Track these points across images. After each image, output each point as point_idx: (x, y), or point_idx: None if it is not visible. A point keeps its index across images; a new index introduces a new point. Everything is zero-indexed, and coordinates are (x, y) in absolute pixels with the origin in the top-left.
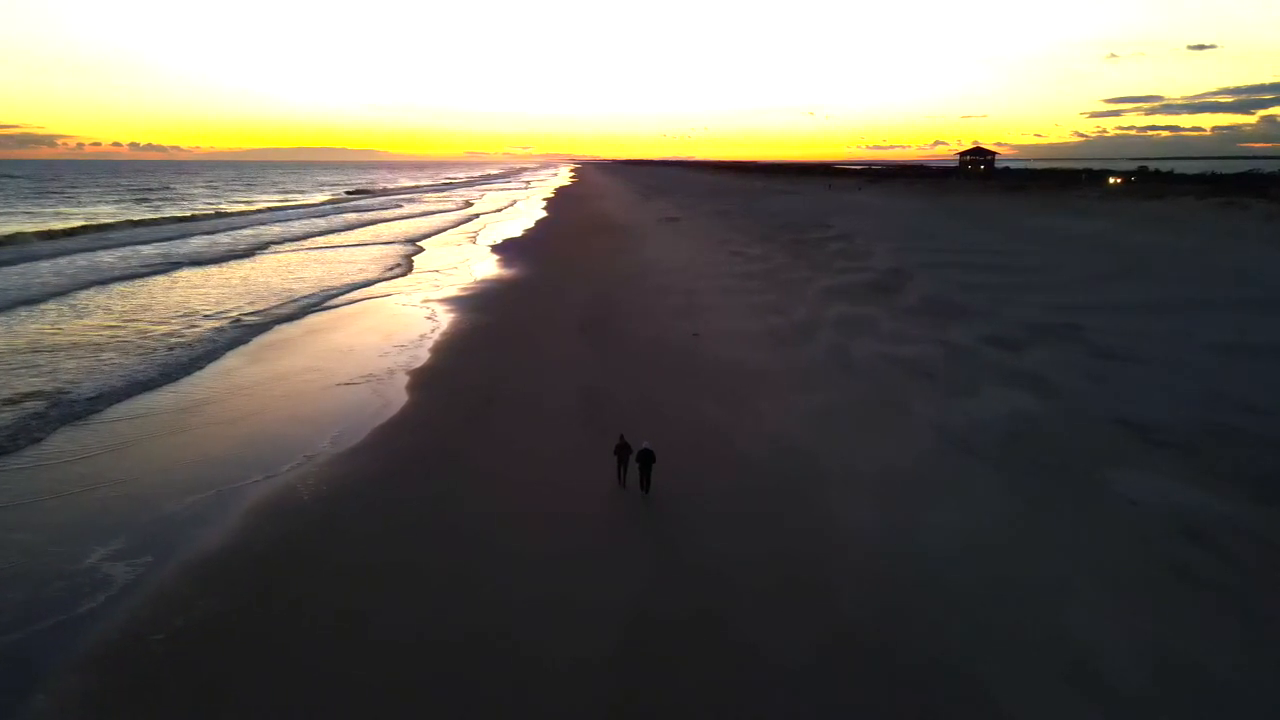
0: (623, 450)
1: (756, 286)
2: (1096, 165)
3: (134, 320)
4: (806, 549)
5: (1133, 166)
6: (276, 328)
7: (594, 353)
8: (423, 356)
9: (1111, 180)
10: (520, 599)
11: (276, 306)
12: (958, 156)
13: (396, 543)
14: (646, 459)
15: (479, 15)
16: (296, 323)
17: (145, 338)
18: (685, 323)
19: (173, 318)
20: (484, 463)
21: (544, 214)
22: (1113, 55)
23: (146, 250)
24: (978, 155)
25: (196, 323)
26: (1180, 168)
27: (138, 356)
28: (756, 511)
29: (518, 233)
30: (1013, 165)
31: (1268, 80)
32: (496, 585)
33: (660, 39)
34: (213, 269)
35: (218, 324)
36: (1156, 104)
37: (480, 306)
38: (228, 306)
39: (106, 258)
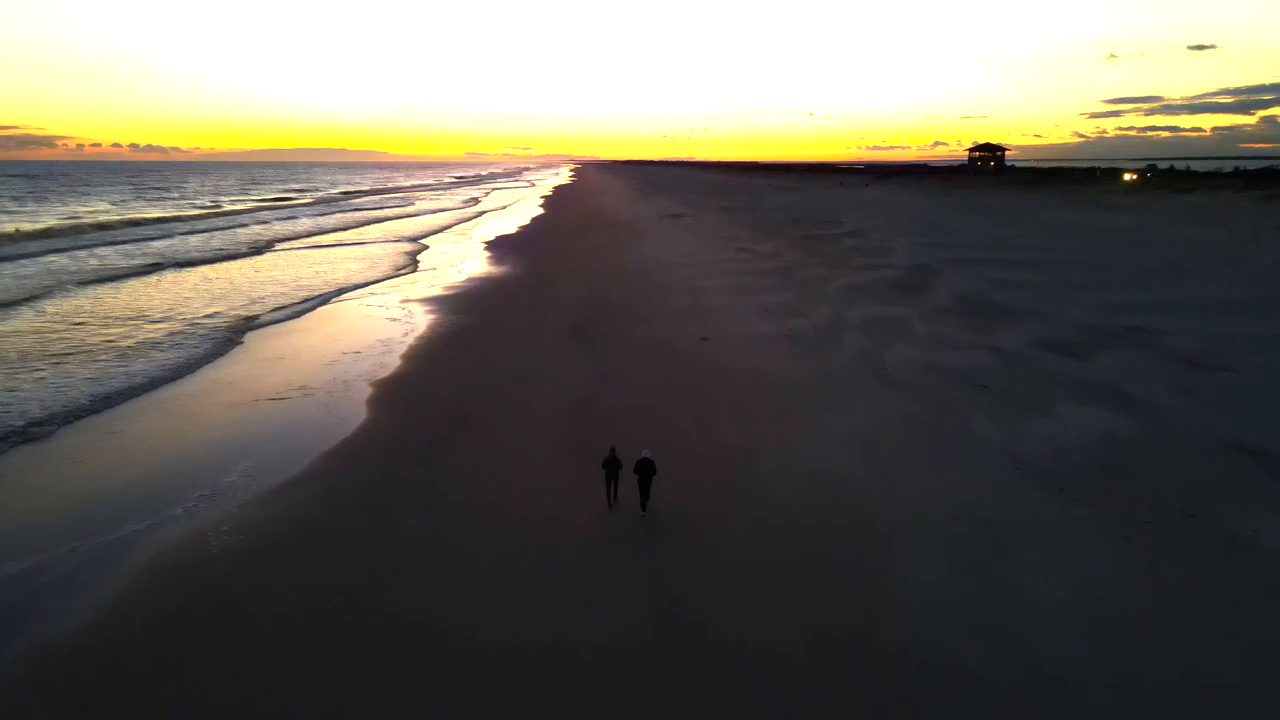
0: (612, 464)
1: (769, 285)
2: (1101, 165)
3: (99, 327)
4: (859, 618)
5: (1135, 166)
6: (236, 333)
7: (589, 360)
8: (391, 364)
9: (1127, 176)
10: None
11: (244, 311)
12: (966, 153)
13: (322, 622)
14: (646, 470)
15: (479, 16)
16: (261, 329)
17: (103, 347)
18: (692, 325)
19: (137, 324)
20: (446, 502)
21: (544, 211)
22: (1112, 55)
23: (131, 250)
24: (988, 151)
25: (161, 329)
26: (1185, 167)
27: (91, 367)
28: (788, 565)
29: (514, 229)
30: (1015, 165)
31: (1268, 80)
32: (451, 686)
33: (660, 40)
34: (197, 270)
35: (183, 331)
36: (1156, 104)
37: (464, 307)
38: (199, 311)
39: (89, 257)
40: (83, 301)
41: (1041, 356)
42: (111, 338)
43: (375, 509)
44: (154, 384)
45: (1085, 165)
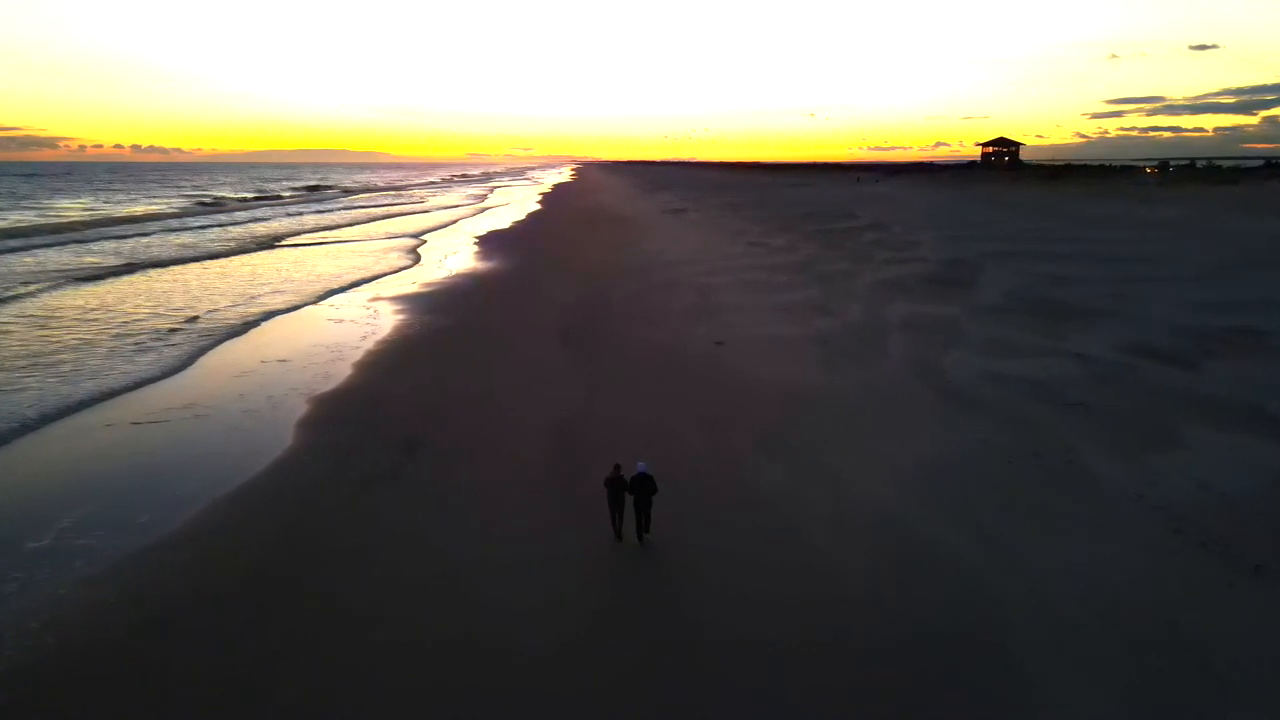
0: (617, 485)
1: (788, 281)
2: (1114, 164)
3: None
4: None
5: (1144, 165)
6: (182, 339)
7: (580, 369)
8: (339, 374)
9: (1147, 170)
10: None
11: (205, 316)
12: (975, 150)
13: None
14: (644, 488)
15: (479, 18)
16: (211, 335)
17: (19, 357)
18: (702, 327)
19: (85, 329)
20: (374, 575)
21: (544, 207)
22: (1114, 56)
23: (116, 248)
24: (1001, 146)
25: (100, 336)
26: (1205, 163)
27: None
28: (868, 692)
29: (511, 225)
30: (1026, 163)
31: (1270, 81)
32: None
33: (660, 41)
34: (177, 270)
35: (123, 338)
36: (1158, 104)
37: (441, 306)
38: (160, 314)
39: (65, 254)
40: (31, 305)
41: (1137, 365)
42: (35, 348)
43: (268, 590)
44: (59, 404)
45: (1096, 164)
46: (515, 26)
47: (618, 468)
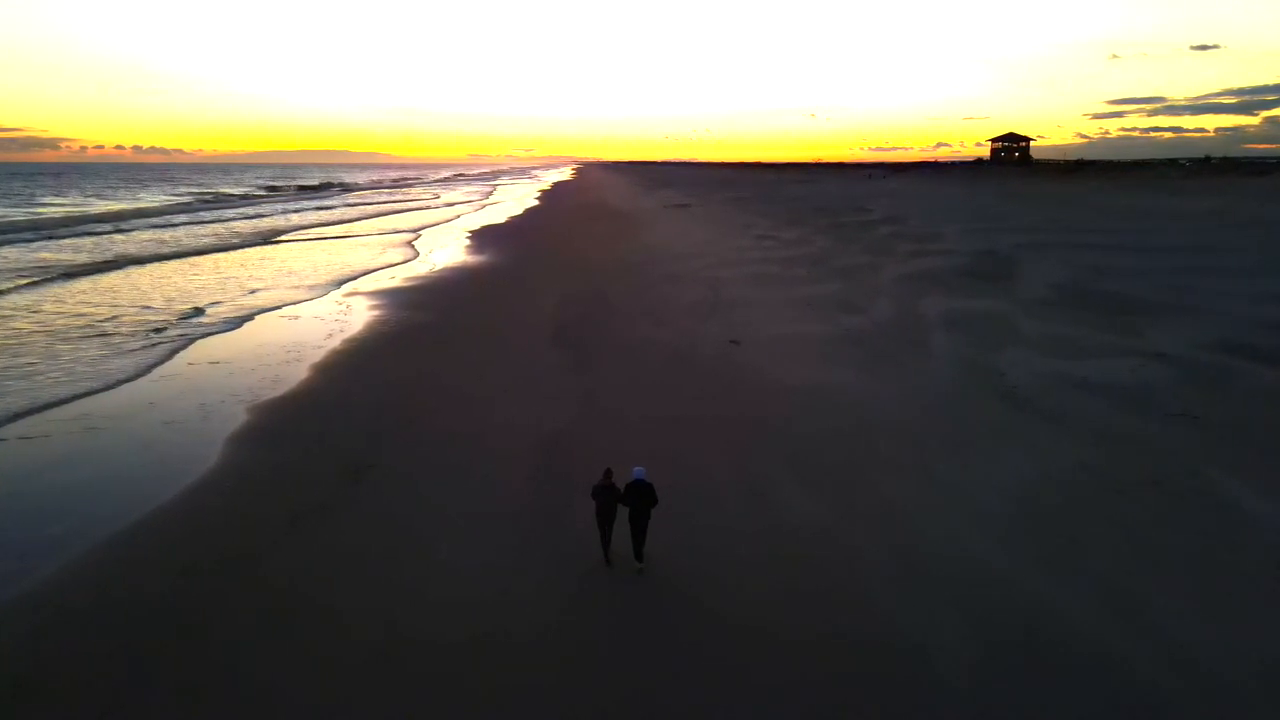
0: (608, 494)
1: (805, 275)
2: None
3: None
4: None
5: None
6: (141, 341)
7: (576, 373)
8: (293, 377)
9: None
10: None
11: (179, 316)
12: (983, 147)
13: None
14: (642, 498)
15: (479, 19)
16: (179, 336)
17: None
18: (714, 325)
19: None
20: (286, 660)
21: (544, 203)
22: (1115, 56)
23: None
24: (1011, 142)
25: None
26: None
27: None
28: None
29: (509, 220)
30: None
31: (1271, 81)
32: None
33: (659, 42)
34: (160, 266)
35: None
36: (1159, 105)
37: (422, 302)
38: (133, 311)
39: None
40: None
41: (1237, 366)
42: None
43: (140, 675)
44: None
45: (1104, 162)
46: (516, 27)
47: (609, 474)
